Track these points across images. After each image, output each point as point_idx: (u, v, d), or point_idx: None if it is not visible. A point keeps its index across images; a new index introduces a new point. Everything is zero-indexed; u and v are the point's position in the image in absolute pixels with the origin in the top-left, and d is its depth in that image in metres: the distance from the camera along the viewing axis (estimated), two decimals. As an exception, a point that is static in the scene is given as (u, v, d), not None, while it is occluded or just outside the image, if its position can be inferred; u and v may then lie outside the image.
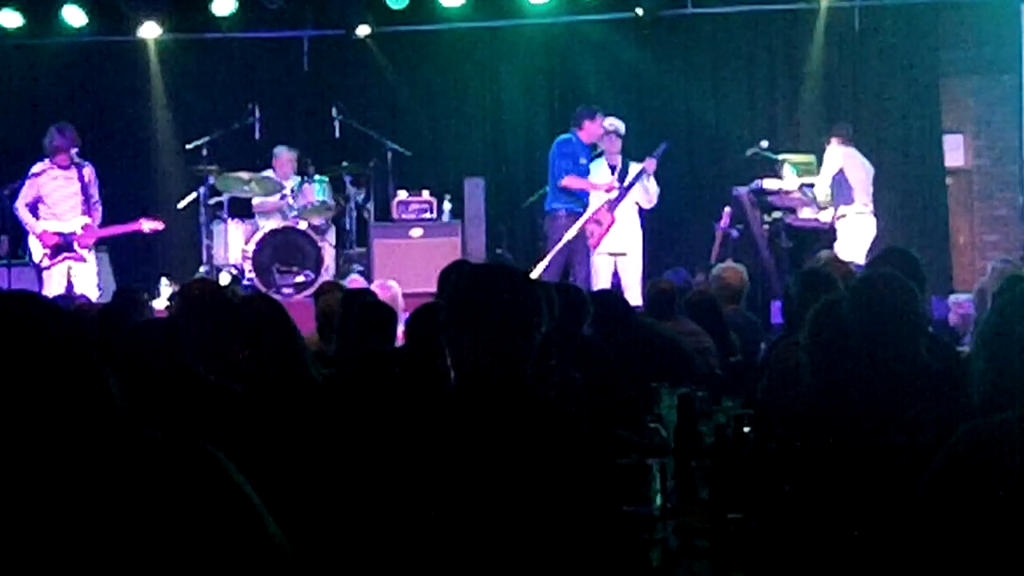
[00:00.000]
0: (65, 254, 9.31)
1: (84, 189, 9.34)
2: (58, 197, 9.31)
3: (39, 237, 9.26)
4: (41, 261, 9.30)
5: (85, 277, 9.36)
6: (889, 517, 2.69)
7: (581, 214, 9.61)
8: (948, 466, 2.43)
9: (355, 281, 9.41)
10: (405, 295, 7.51)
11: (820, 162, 10.24)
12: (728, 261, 8.23)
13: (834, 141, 10.18)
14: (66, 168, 9.29)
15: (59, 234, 9.29)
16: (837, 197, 10.09)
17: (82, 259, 9.36)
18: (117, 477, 1.58)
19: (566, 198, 9.69)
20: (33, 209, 9.30)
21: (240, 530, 1.16)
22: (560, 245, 9.49)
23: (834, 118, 10.84)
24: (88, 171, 9.40)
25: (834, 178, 10.10)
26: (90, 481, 1.56)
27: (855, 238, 9.90)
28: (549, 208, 9.80)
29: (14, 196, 9.31)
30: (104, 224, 9.52)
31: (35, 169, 9.32)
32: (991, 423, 2.44)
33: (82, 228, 9.33)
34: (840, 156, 10.14)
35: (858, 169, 10.15)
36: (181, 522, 1.14)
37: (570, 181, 9.63)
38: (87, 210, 9.36)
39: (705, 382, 4.87)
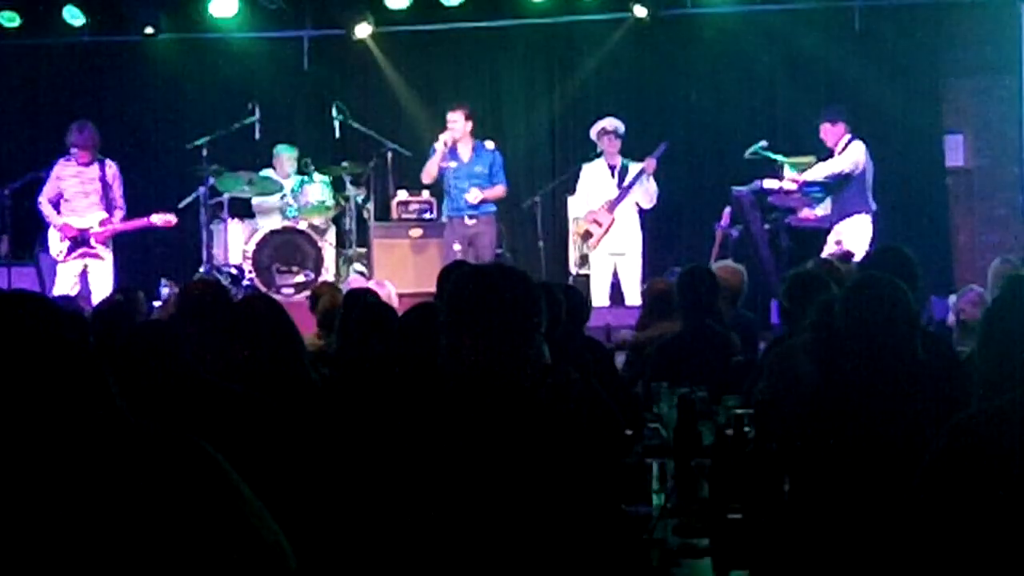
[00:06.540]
0: (82, 250, 9.35)
1: (105, 186, 9.38)
2: (76, 193, 9.38)
3: (59, 230, 9.31)
4: (58, 255, 9.36)
5: (101, 275, 9.39)
6: (889, 515, 2.69)
7: None
8: (944, 456, 2.44)
9: (355, 281, 9.42)
10: (405, 295, 7.52)
11: (820, 155, 10.01)
12: (728, 260, 7.81)
13: (842, 127, 9.62)
14: (86, 165, 9.35)
15: (77, 229, 9.32)
16: (854, 198, 9.57)
17: (99, 256, 9.38)
18: (116, 474, 1.58)
19: None
20: (55, 205, 9.38)
21: (236, 532, 1.16)
22: None
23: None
24: (111, 169, 9.44)
25: (855, 178, 9.54)
26: (88, 480, 1.56)
27: (858, 239, 9.61)
28: None
29: (36, 193, 9.38)
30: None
31: (57, 165, 9.41)
32: (984, 411, 2.46)
33: (99, 224, 9.37)
34: (863, 155, 9.54)
35: (870, 168, 9.68)
36: (178, 521, 1.14)
37: None
38: (106, 207, 9.39)
39: (705, 382, 4.87)
